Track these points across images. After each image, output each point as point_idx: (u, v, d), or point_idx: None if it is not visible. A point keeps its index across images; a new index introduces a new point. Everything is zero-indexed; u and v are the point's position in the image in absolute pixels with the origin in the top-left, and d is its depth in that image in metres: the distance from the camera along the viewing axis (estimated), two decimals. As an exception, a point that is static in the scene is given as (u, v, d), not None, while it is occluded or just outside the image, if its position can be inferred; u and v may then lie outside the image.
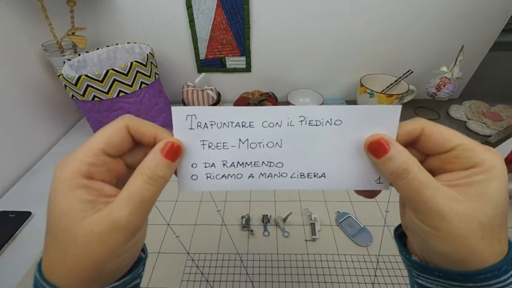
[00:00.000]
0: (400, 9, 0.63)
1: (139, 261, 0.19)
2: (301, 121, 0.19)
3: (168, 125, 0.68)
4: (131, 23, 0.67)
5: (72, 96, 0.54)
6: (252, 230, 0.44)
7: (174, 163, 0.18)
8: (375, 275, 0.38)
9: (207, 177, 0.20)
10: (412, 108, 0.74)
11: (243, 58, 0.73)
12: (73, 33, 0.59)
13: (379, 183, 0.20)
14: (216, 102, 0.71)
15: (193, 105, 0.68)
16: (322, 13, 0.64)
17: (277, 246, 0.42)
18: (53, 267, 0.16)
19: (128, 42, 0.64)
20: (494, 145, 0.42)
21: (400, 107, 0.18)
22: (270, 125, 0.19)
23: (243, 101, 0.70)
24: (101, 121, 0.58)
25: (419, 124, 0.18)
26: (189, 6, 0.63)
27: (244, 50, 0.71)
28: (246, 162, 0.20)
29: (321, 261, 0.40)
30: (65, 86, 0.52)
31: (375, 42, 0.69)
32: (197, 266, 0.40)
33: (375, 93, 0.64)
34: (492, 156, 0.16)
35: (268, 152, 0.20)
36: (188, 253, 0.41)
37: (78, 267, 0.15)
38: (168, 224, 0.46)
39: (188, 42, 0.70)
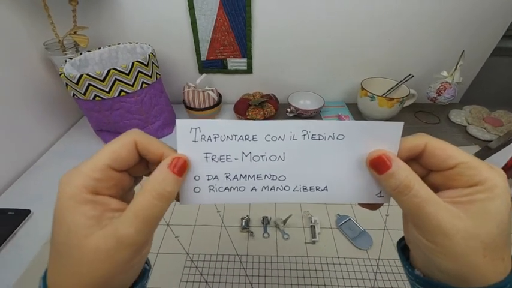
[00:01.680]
0: (402, 14, 0.64)
1: (144, 274, 0.19)
2: (304, 135, 0.20)
3: (169, 124, 0.68)
4: (133, 23, 0.67)
5: (73, 95, 0.54)
6: (251, 232, 0.44)
7: (181, 178, 0.18)
8: (375, 279, 0.38)
9: (210, 189, 0.20)
10: (413, 112, 0.74)
11: (244, 60, 0.73)
12: (75, 32, 0.59)
13: (380, 196, 0.20)
14: (217, 103, 0.71)
15: (194, 105, 0.68)
16: (324, 16, 0.65)
17: (277, 248, 0.42)
18: (58, 281, 0.16)
19: (130, 42, 0.64)
20: (494, 151, 0.42)
21: (402, 124, 0.19)
22: (273, 138, 0.20)
23: (244, 102, 0.70)
24: (101, 120, 0.58)
25: (422, 140, 0.18)
26: (191, 8, 0.64)
27: (245, 51, 0.71)
28: (249, 175, 0.20)
29: (321, 263, 0.40)
30: (66, 84, 0.52)
31: (376, 45, 0.69)
32: (196, 267, 0.40)
33: (375, 96, 0.64)
34: (495, 175, 0.16)
35: (271, 165, 0.20)
36: (187, 254, 0.41)
37: (84, 283, 0.15)
38: (168, 224, 0.45)
39: (190, 43, 0.70)
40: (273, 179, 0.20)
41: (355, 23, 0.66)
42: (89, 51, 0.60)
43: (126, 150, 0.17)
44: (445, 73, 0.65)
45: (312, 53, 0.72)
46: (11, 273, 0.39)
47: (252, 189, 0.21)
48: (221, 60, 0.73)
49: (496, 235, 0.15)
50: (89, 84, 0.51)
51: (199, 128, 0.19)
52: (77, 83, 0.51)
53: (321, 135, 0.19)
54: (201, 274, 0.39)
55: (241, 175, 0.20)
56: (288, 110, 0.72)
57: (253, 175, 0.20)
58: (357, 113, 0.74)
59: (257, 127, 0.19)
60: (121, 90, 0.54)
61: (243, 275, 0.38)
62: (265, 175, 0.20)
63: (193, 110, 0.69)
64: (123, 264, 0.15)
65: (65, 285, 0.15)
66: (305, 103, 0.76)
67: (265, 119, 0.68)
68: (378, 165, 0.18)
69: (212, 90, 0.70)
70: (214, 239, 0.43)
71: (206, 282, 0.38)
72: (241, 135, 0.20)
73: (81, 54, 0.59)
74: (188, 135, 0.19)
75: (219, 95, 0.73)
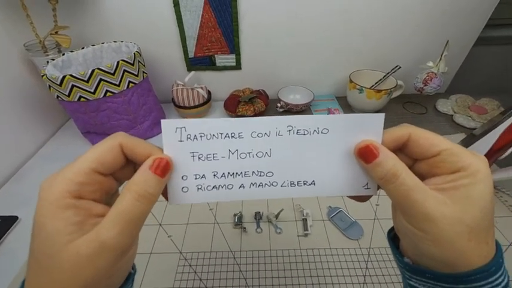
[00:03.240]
0: (387, 7, 0.64)
1: (128, 278, 0.19)
2: (289, 130, 0.20)
3: (158, 124, 0.68)
4: (117, 21, 0.66)
5: (57, 97, 0.53)
6: (244, 228, 0.44)
7: (164, 179, 0.18)
8: (366, 267, 0.38)
9: (198, 188, 0.20)
10: (401, 103, 0.75)
11: (233, 56, 0.72)
12: (56, 32, 0.57)
13: (367, 188, 0.21)
14: (207, 101, 0.70)
15: (184, 103, 0.68)
16: (311, 10, 0.65)
17: (270, 243, 0.42)
18: None
19: (115, 41, 0.62)
20: (478, 137, 0.43)
21: (383, 115, 0.19)
22: (258, 135, 0.20)
23: (234, 99, 0.70)
24: (88, 122, 0.57)
25: (406, 130, 0.18)
26: (175, 4, 0.62)
27: (233, 47, 0.70)
28: (237, 173, 0.20)
29: (313, 255, 0.40)
30: (49, 86, 0.51)
31: (363, 38, 0.70)
32: (190, 265, 0.40)
33: (364, 88, 0.65)
34: (477, 161, 0.16)
35: (258, 161, 0.20)
36: (181, 252, 0.41)
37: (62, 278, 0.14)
38: (160, 224, 0.45)
39: (176, 41, 0.69)
40: (260, 176, 0.21)
41: (343, 17, 0.66)
42: (72, 51, 0.59)
43: (112, 154, 0.17)
44: (430, 63, 0.66)
45: (300, 48, 0.72)
46: (0, 281, 0.38)
47: (240, 187, 0.21)
48: (209, 57, 0.72)
49: (480, 219, 0.16)
50: (73, 86, 0.50)
51: (184, 127, 0.19)
52: (60, 85, 0.50)
53: (306, 130, 0.20)
54: (195, 272, 0.39)
55: (228, 173, 0.20)
56: (278, 105, 0.72)
57: (241, 172, 0.20)
58: (347, 106, 0.75)
59: (242, 124, 0.20)
60: (107, 91, 0.53)
61: (237, 271, 0.39)
62: (253, 172, 0.20)
63: (182, 108, 0.69)
64: (106, 270, 0.15)
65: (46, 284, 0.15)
66: (295, 98, 0.76)
67: (255, 115, 0.68)
68: (365, 154, 0.18)
69: (201, 88, 0.69)
70: (207, 237, 0.43)
71: (200, 279, 0.38)
72: (227, 133, 0.20)
73: (63, 54, 0.57)
74: (174, 135, 0.19)
75: (209, 92, 0.72)
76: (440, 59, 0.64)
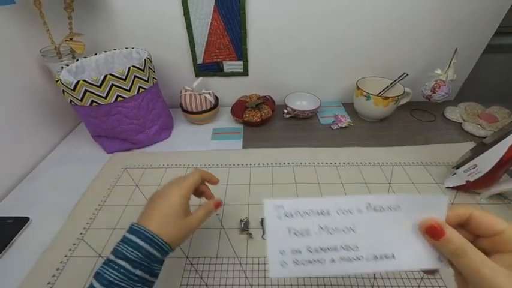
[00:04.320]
0: (396, 14, 0.65)
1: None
2: (367, 207, 0.22)
3: (165, 129, 0.69)
4: (129, 28, 0.68)
5: (70, 101, 0.54)
6: (250, 234, 0.44)
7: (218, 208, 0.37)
8: (374, 278, 0.38)
9: (295, 263, 0.22)
10: (409, 110, 0.75)
11: (240, 62, 0.73)
12: (71, 39, 0.59)
13: (441, 261, 0.22)
14: (214, 106, 0.71)
15: (191, 109, 0.69)
16: (319, 17, 0.65)
17: (276, 249, 0.42)
18: (166, 229, 0.31)
19: (126, 48, 0.64)
20: (489, 146, 0.43)
21: (448, 198, 0.21)
22: (343, 212, 0.22)
23: (241, 104, 0.71)
24: (99, 126, 0.58)
25: (468, 209, 0.21)
26: (186, 13, 0.64)
27: (241, 54, 0.72)
28: (328, 247, 0.22)
29: (320, 263, 0.40)
30: (63, 91, 0.53)
31: (370, 45, 0.70)
32: (196, 270, 0.40)
33: (371, 95, 0.65)
34: None
35: (345, 237, 0.22)
36: (187, 257, 0.41)
37: (177, 230, 0.32)
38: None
39: (186, 47, 0.71)
40: (347, 250, 0.22)
41: (350, 23, 0.66)
42: (85, 57, 0.60)
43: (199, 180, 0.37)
44: (439, 71, 0.66)
45: (307, 54, 0.72)
46: (11, 282, 0.39)
47: (331, 261, 0.22)
48: (217, 63, 0.74)
49: None
50: (86, 90, 0.52)
51: (282, 206, 0.22)
52: (74, 89, 0.51)
53: (382, 207, 0.22)
54: (201, 277, 0.39)
55: (320, 247, 0.22)
56: (285, 111, 0.73)
57: (331, 247, 0.22)
58: (353, 113, 0.75)
59: (329, 203, 0.22)
60: (118, 96, 0.55)
61: (243, 277, 0.39)
62: (341, 246, 0.22)
63: (190, 114, 0.70)
64: (189, 234, 0.34)
65: (162, 227, 0.30)
66: (302, 104, 0.76)
67: (262, 120, 0.69)
68: (432, 232, 0.21)
69: (209, 93, 0.70)
70: (214, 242, 0.43)
71: (206, 285, 0.38)
72: (317, 210, 0.22)
73: (77, 60, 0.59)
74: (273, 213, 0.22)
75: (216, 98, 0.73)
76: (449, 66, 0.64)
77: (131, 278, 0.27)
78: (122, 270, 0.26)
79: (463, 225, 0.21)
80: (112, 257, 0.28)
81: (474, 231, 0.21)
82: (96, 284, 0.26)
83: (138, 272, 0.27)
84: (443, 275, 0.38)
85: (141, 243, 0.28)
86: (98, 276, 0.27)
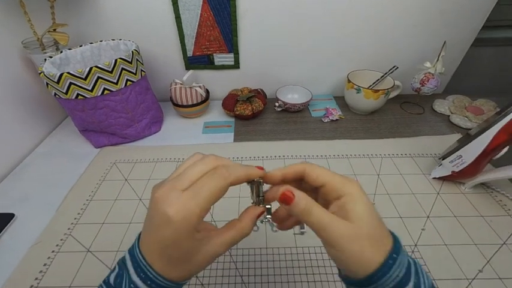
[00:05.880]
0: (385, 7, 0.65)
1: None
2: None
3: (156, 122, 0.68)
4: (116, 19, 0.66)
5: (55, 94, 0.53)
6: (241, 226, 0.44)
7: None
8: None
9: None
10: (398, 103, 0.76)
11: (231, 55, 0.72)
12: (54, 30, 0.57)
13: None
14: (205, 100, 0.70)
15: (181, 102, 0.68)
16: (310, 10, 0.65)
17: (267, 241, 0.42)
18: (148, 248, 0.21)
19: (113, 39, 0.62)
20: (474, 137, 0.44)
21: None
22: None
23: (232, 98, 0.70)
24: (85, 120, 0.57)
25: (302, 165, 0.24)
26: (174, 2, 0.63)
27: (232, 46, 0.71)
28: None
29: (309, 253, 0.40)
30: (47, 84, 0.51)
31: (361, 39, 0.70)
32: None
33: (361, 88, 0.65)
34: (349, 184, 0.22)
35: None
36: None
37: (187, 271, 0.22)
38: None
39: (175, 39, 0.69)
40: None
41: (340, 16, 0.66)
42: (70, 49, 0.59)
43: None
44: (428, 64, 0.66)
45: (298, 47, 0.72)
46: (-4, 278, 0.38)
47: None
48: (207, 56, 0.72)
49: (370, 228, 0.20)
50: (71, 83, 0.50)
51: None
52: (58, 82, 0.50)
53: None
54: (192, 269, 0.39)
55: None
56: (276, 104, 0.73)
57: None
58: (344, 106, 0.75)
59: None
60: (104, 89, 0.53)
61: (233, 269, 0.39)
62: None
63: (180, 107, 0.69)
64: (206, 266, 0.23)
65: (159, 255, 0.21)
66: (293, 97, 0.76)
67: (253, 113, 0.69)
68: (284, 198, 0.22)
69: (199, 87, 0.69)
70: (204, 235, 0.43)
71: (196, 277, 0.38)
72: None
73: (61, 52, 0.57)
74: None
75: (207, 91, 0.72)
76: (438, 59, 0.65)
77: None
78: None
79: (301, 179, 0.24)
80: None
81: (309, 184, 0.23)
82: None
83: None
84: (427, 261, 0.39)
85: None
86: None
